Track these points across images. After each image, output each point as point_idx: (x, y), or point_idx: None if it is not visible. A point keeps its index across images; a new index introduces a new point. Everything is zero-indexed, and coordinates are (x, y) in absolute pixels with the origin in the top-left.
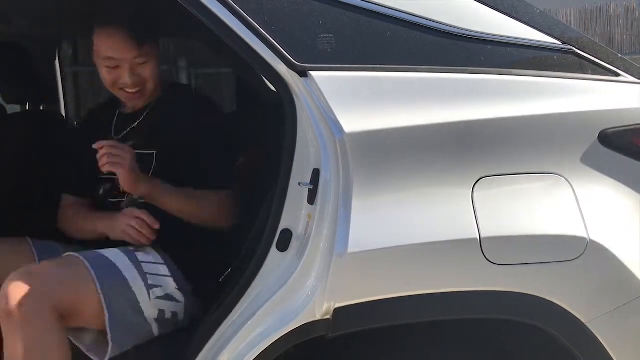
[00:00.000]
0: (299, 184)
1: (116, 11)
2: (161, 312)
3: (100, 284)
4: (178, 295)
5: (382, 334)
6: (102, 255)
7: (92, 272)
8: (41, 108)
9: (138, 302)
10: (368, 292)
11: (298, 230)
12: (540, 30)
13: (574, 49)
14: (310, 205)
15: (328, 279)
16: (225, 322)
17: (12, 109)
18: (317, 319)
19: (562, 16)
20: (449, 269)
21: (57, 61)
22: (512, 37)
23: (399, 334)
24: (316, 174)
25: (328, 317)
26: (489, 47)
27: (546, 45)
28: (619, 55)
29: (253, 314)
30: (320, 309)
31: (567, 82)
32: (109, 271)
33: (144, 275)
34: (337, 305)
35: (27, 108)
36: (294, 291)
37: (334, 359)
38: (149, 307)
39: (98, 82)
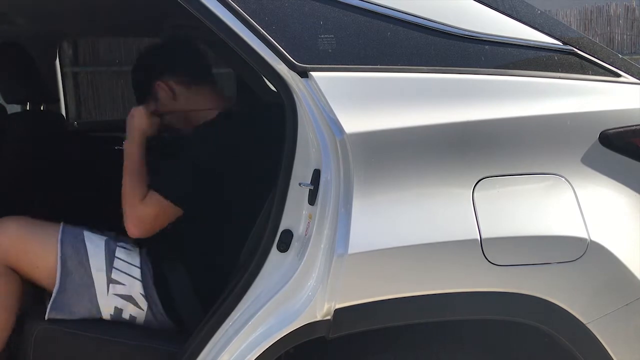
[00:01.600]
0: (300, 184)
1: None
2: (118, 310)
3: (61, 256)
4: (142, 301)
5: (382, 334)
6: (82, 235)
7: (60, 241)
8: (41, 108)
9: (94, 289)
10: (368, 293)
11: (299, 230)
12: (541, 31)
13: (575, 49)
14: (311, 206)
15: (328, 280)
16: (226, 322)
17: (12, 109)
18: (317, 319)
19: (562, 16)
20: (450, 269)
21: (57, 61)
22: (512, 38)
23: (399, 334)
24: (317, 174)
25: (328, 317)
26: (489, 47)
27: (547, 46)
28: (620, 55)
29: (254, 314)
30: (321, 310)
31: (568, 83)
32: (76, 248)
33: (110, 267)
34: (338, 305)
35: (27, 108)
36: (294, 292)
37: (334, 359)
38: (105, 300)
39: (98, 82)
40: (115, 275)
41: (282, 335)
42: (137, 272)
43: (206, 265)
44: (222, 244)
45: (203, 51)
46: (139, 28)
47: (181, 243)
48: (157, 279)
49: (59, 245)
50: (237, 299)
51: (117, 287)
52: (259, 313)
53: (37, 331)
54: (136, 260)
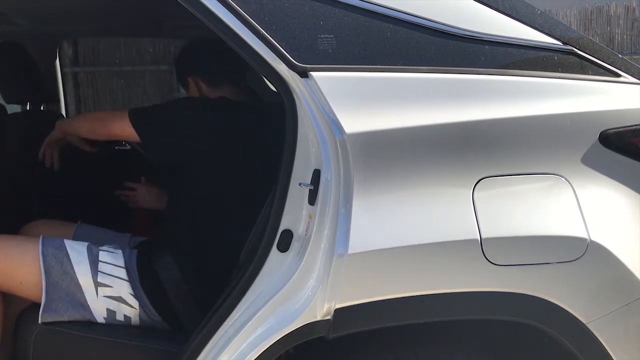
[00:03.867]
0: (300, 184)
1: None
2: (111, 312)
3: (44, 268)
4: (132, 300)
5: (382, 334)
6: (63, 244)
7: (41, 253)
8: (41, 108)
9: (84, 295)
10: (368, 293)
11: (299, 230)
12: (541, 31)
13: (575, 49)
14: (311, 206)
15: (328, 280)
16: (226, 322)
17: (12, 109)
18: (317, 319)
19: (562, 16)
20: (450, 269)
21: (57, 61)
22: (512, 38)
23: (399, 334)
24: (317, 174)
25: (328, 317)
26: (489, 47)
27: (547, 46)
28: (620, 55)
29: (254, 314)
30: (321, 310)
31: (568, 83)
32: (59, 258)
33: (95, 272)
34: (338, 305)
35: (27, 108)
36: (294, 292)
37: (334, 359)
38: (96, 303)
39: (98, 82)
40: (101, 278)
41: (282, 335)
42: (122, 273)
43: (200, 262)
44: (216, 240)
45: (231, 56)
46: (138, 28)
47: (174, 238)
48: (144, 277)
49: (40, 258)
50: (237, 299)
51: (106, 289)
52: (259, 313)
53: (36, 331)
54: (120, 261)
